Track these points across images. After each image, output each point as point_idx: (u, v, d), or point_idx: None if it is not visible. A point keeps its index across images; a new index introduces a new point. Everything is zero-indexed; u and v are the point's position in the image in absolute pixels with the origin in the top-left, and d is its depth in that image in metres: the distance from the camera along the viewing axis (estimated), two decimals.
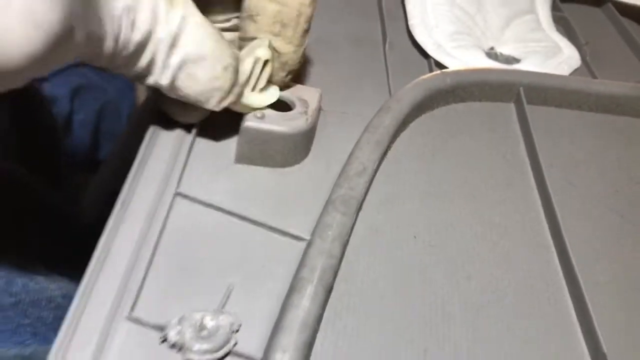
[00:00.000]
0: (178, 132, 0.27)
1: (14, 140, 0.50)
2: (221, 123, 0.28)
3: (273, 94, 0.27)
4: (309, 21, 0.27)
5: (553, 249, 0.27)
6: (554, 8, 0.43)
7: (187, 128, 0.28)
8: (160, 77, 0.24)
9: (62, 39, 0.19)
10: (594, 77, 0.37)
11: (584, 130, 0.33)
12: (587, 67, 0.38)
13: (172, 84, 0.24)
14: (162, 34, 0.23)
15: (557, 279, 0.26)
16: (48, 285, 0.32)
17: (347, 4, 0.40)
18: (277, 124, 0.26)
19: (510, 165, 0.30)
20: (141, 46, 0.22)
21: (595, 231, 0.28)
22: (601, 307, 0.24)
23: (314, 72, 0.33)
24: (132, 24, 0.22)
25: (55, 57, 0.20)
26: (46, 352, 0.31)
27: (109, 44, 0.21)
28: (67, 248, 0.39)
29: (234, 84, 0.25)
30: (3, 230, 0.34)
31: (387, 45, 0.35)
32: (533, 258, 0.26)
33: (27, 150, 0.51)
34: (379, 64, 0.34)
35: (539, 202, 0.29)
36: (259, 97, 0.26)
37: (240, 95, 0.25)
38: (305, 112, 0.27)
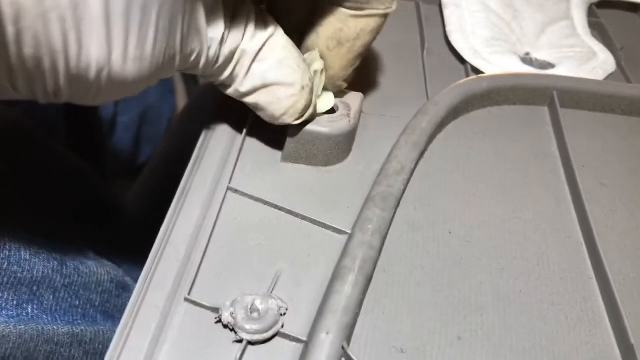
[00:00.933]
0: (230, 132, 0.30)
1: (63, 135, 0.53)
2: (270, 124, 0.30)
3: (328, 100, 0.29)
4: (366, 47, 0.28)
5: (584, 245, 0.28)
6: (590, 14, 0.44)
7: (239, 128, 0.30)
8: (240, 87, 0.26)
9: (166, 65, 0.23)
10: (629, 81, 0.38)
11: (616, 133, 0.34)
12: (622, 71, 0.39)
13: (252, 97, 0.26)
14: (248, 48, 0.25)
15: (587, 273, 0.27)
16: (97, 270, 0.35)
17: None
18: (321, 125, 0.28)
19: (543, 165, 0.31)
20: (228, 59, 0.25)
21: (624, 228, 0.29)
22: (630, 300, 0.25)
23: (356, 76, 0.34)
24: (223, 41, 0.25)
25: (160, 75, 0.23)
26: (94, 332, 0.33)
27: (203, 60, 0.24)
28: (115, 237, 0.41)
29: (309, 104, 0.27)
30: (58, 216, 0.37)
31: (425, 52, 0.37)
32: (564, 253, 0.28)
33: (74, 147, 0.54)
34: (418, 69, 0.36)
35: (570, 201, 0.30)
36: (317, 105, 0.28)
37: (313, 116, 0.28)
38: (348, 115, 0.29)
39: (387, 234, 0.26)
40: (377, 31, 0.28)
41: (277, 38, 0.26)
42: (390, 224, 0.26)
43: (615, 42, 0.41)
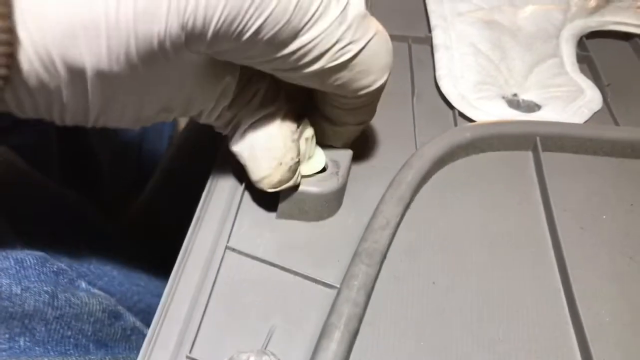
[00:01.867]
0: (228, 192, 0.32)
1: (57, 159, 0.55)
2: None
3: (319, 162, 0.31)
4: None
5: (561, 291, 0.30)
6: (581, 47, 0.45)
7: (236, 188, 0.32)
8: (230, 143, 0.29)
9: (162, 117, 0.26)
10: (614, 118, 0.39)
11: (598, 174, 0.35)
12: (608, 108, 0.40)
13: (240, 152, 0.29)
14: (247, 117, 0.28)
15: (563, 319, 0.29)
16: (89, 300, 0.35)
17: None
18: (311, 185, 0.30)
19: (525, 211, 0.33)
20: (228, 121, 0.29)
21: (602, 273, 0.31)
22: (604, 345, 0.27)
23: None
24: (228, 107, 0.28)
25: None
26: None
27: (204, 116, 0.28)
28: (108, 266, 0.43)
29: (285, 180, 0.29)
30: (50, 249, 0.38)
31: (415, 98, 0.39)
32: (542, 299, 0.29)
33: (70, 171, 0.56)
34: (407, 116, 0.38)
35: (550, 246, 0.32)
36: (307, 167, 0.31)
37: (294, 186, 0.30)
38: (337, 173, 0.31)
39: (373, 287, 0.28)
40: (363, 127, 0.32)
41: (276, 114, 0.28)
42: (376, 278, 0.29)
43: (602, 78, 0.42)
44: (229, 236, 0.30)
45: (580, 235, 0.32)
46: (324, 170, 0.31)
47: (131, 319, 0.39)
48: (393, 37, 0.46)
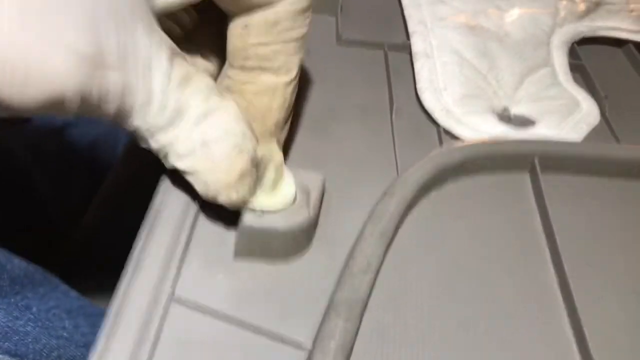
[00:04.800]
0: (174, 226, 0.26)
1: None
2: (219, 215, 0.27)
3: (287, 195, 0.26)
4: (279, 124, 0.27)
5: (572, 339, 0.25)
6: (572, 55, 0.41)
7: (183, 220, 0.27)
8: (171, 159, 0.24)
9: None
10: (614, 133, 0.35)
11: (602, 199, 0.31)
12: (606, 123, 0.36)
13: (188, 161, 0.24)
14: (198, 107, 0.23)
15: None
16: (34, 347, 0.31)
17: (354, 62, 0.39)
18: (277, 220, 0.25)
19: (526, 245, 0.29)
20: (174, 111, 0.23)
21: (615, 320, 0.26)
22: None
23: (316, 148, 0.31)
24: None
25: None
26: None
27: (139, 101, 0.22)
28: (20, 320, 0.37)
29: (247, 174, 0.24)
30: None
31: (394, 114, 0.34)
32: (552, 353, 0.25)
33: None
34: (386, 135, 0.33)
35: (557, 287, 0.27)
36: (272, 199, 0.25)
37: (251, 194, 0.25)
38: (307, 204, 0.26)
39: (352, 348, 0.23)
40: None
41: (227, 108, 0.23)
42: (356, 335, 0.23)
43: (598, 89, 0.38)
44: (175, 283, 0.25)
45: (589, 274, 0.28)
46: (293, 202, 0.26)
47: None
48: (368, 44, 0.42)
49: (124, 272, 0.25)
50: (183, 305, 0.24)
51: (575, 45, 0.43)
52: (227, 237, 0.27)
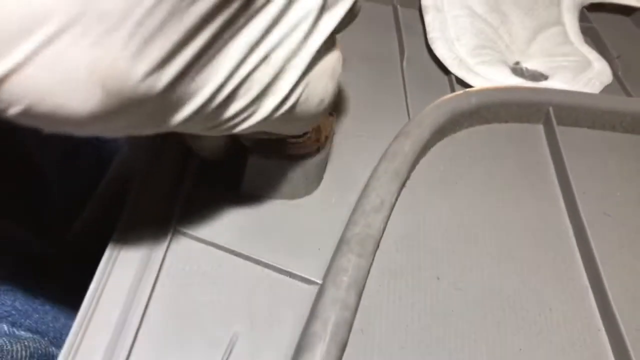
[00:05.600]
0: (179, 156, 0.25)
1: None
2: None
3: None
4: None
5: (589, 288, 0.25)
6: (582, 18, 0.41)
7: (185, 155, 0.25)
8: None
9: None
10: (627, 92, 0.35)
11: (618, 153, 0.30)
12: (619, 82, 0.35)
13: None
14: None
15: (594, 324, 0.23)
16: (11, 347, 0.30)
17: (362, 16, 0.37)
18: (286, 154, 0.24)
19: (541, 194, 0.28)
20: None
21: (635, 267, 0.25)
22: None
23: None
24: None
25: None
26: None
27: None
28: (38, 299, 0.35)
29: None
30: None
31: (404, 61, 0.33)
32: (568, 299, 0.24)
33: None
34: (397, 82, 0.32)
35: (572, 235, 0.26)
36: None
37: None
38: (318, 140, 0.25)
39: (364, 285, 0.22)
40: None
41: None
42: (368, 272, 0.22)
43: (610, 50, 0.37)
44: (179, 215, 0.23)
45: (606, 222, 0.27)
46: (300, 135, 0.25)
47: (50, 349, 0.31)
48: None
49: (128, 202, 0.23)
50: (187, 237, 0.23)
51: (585, 10, 0.42)
52: (234, 171, 0.25)
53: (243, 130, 0.19)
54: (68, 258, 0.41)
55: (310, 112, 0.20)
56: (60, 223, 0.51)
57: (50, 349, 0.31)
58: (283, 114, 0.19)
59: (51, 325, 0.32)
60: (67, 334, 0.32)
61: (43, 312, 0.32)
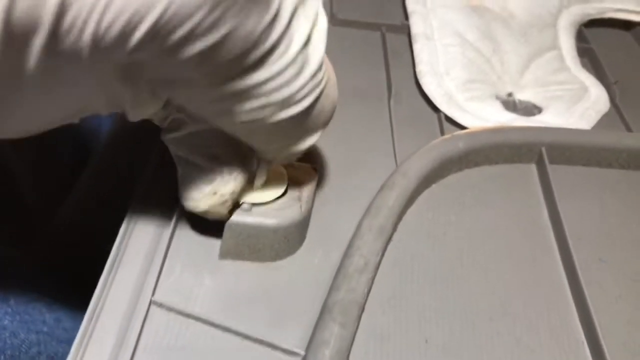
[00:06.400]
0: (157, 220, 0.24)
1: None
2: None
3: (278, 186, 0.24)
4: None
5: (585, 343, 0.24)
6: (580, 38, 0.39)
7: (167, 216, 0.25)
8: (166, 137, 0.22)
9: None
10: (624, 121, 0.33)
11: (614, 191, 0.29)
12: (617, 110, 0.34)
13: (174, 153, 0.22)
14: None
15: None
16: None
17: (350, 44, 0.37)
18: (266, 215, 0.23)
19: (533, 239, 0.27)
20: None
21: (631, 318, 0.24)
22: None
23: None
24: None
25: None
26: None
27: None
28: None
29: (214, 213, 0.23)
30: None
31: (392, 99, 0.32)
32: (564, 352, 0.23)
33: None
34: (384, 122, 0.31)
35: (567, 286, 0.25)
36: (262, 193, 0.23)
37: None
38: (299, 199, 0.24)
39: (348, 356, 0.21)
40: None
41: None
42: (352, 341, 0.22)
43: (608, 74, 0.36)
44: (155, 286, 0.23)
45: (601, 269, 0.26)
46: (283, 194, 0.24)
47: None
48: (364, 25, 0.40)
49: (102, 275, 0.23)
50: (164, 309, 0.22)
51: (583, 28, 0.41)
52: (212, 239, 0.25)
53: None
54: (34, 263, 0.40)
55: (324, 114, 0.21)
56: (35, 227, 0.50)
57: None
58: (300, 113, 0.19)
59: (9, 341, 0.31)
60: (26, 351, 0.31)
61: (1, 328, 0.31)
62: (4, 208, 0.48)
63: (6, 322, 0.31)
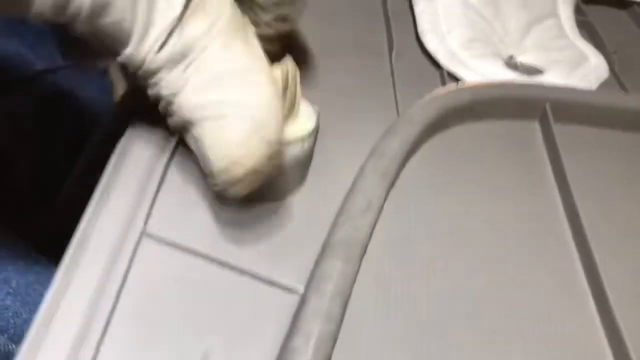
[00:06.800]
0: (150, 154, 0.23)
1: None
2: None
3: (308, 119, 0.22)
4: None
5: (589, 294, 0.23)
6: (577, 11, 0.39)
7: (161, 147, 0.23)
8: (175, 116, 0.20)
9: None
10: (624, 88, 0.33)
11: (618, 152, 0.29)
12: (616, 78, 0.34)
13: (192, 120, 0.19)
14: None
15: (594, 328, 0.22)
16: None
17: (351, 7, 0.36)
18: None
19: (537, 195, 0.26)
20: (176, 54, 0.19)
21: (637, 270, 0.24)
22: None
23: (312, 85, 0.28)
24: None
25: None
26: None
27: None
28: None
29: (264, 167, 0.19)
30: None
31: (393, 55, 0.31)
32: (567, 305, 0.22)
33: None
34: (385, 76, 0.30)
35: (571, 241, 0.25)
36: (292, 126, 0.22)
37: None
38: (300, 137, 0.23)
39: (350, 294, 0.20)
40: None
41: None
42: (354, 280, 0.21)
43: (606, 44, 0.36)
44: (147, 217, 0.21)
45: (606, 227, 0.25)
46: None
47: (9, 346, 0.29)
48: None
49: (90, 204, 0.21)
50: (157, 241, 0.21)
51: (581, 2, 0.40)
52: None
53: None
54: (34, 247, 0.39)
55: None
56: (34, 212, 0.49)
57: (10, 347, 0.29)
58: None
59: (12, 321, 0.31)
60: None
61: (3, 307, 0.30)
62: (2, 194, 0.47)
63: (8, 302, 0.30)
